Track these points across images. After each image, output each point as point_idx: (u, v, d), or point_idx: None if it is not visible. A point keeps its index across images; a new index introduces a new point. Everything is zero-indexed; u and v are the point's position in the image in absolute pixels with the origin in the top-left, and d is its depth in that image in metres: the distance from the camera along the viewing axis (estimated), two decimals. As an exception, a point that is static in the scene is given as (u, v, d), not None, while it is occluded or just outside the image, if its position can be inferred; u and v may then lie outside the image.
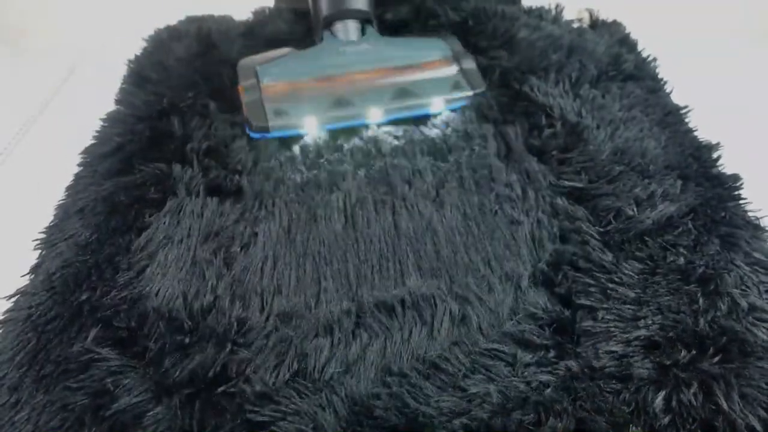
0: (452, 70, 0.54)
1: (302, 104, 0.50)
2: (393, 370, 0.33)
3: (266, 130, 0.48)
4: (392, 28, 0.63)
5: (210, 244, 0.41)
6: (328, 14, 0.53)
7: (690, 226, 0.41)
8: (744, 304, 0.36)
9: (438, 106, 0.52)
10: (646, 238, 0.40)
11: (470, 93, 0.53)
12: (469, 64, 0.55)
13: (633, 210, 0.41)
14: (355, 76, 0.51)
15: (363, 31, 0.54)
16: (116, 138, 0.49)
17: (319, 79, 0.51)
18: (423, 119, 0.52)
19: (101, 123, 0.52)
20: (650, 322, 0.35)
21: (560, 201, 0.43)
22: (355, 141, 0.49)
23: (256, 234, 0.42)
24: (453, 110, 0.52)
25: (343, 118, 0.50)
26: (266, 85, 0.50)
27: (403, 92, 0.51)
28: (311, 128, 0.49)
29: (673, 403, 0.31)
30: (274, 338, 0.35)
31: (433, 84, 0.53)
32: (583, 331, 0.35)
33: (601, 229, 0.41)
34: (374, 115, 0.50)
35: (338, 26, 0.54)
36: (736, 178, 0.45)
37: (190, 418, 0.31)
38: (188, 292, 0.37)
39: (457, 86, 0.53)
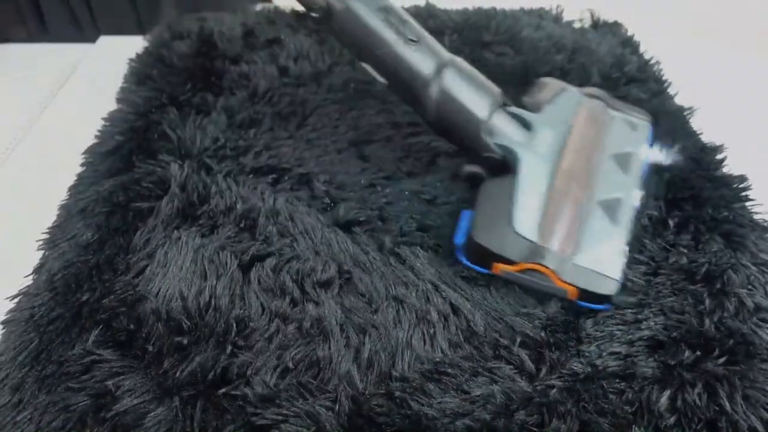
0: (602, 109, 0.47)
1: (592, 233, 0.39)
2: (396, 372, 0.33)
3: (618, 288, 0.37)
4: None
5: (209, 242, 0.40)
6: (485, 117, 0.42)
7: (689, 225, 0.41)
8: (750, 303, 0.36)
9: (646, 150, 0.45)
10: (644, 240, 0.40)
11: (648, 124, 0.47)
12: (602, 94, 0.49)
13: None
14: (574, 170, 0.41)
15: (515, 118, 0.44)
16: (117, 137, 0.49)
17: (562, 196, 0.40)
18: None
19: (103, 122, 0.52)
20: (653, 323, 0.35)
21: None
22: None
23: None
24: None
25: (629, 220, 0.40)
26: (548, 240, 0.38)
27: (621, 158, 0.43)
28: (625, 253, 0.39)
29: (678, 403, 0.31)
30: (276, 340, 0.35)
31: (622, 135, 0.45)
32: (587, 333, 0.35)
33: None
34: (637, 197, 0.42)
35: (496, 127, 0.42)
36: (742, 179, 0.45)
37: (191, 419, 0.31)
38: (187, 292, 0.37)
39: (634, 125, 0.46)
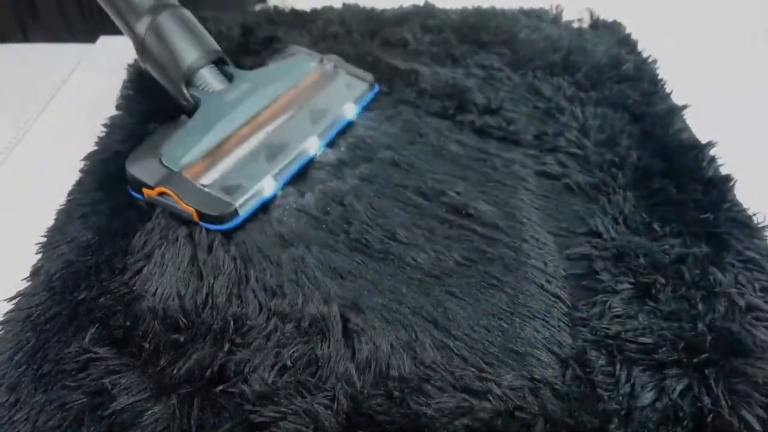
0: (332, 72, 0.52)
1: (243, 170, 0.43)
2: (394, 371, 0.33)
3: (234, 214, 0.41)
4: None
5: (207, 243, 0.40)
6: (190, 66, 0.45)
7: (676, 226, 0.41)
8: (742, 303, 0.36)
9: (351, 110, 0.50)
10: (632, 242, 0.40)
11: (366, 86, 0.52)
12: (336, 60, 0.54)
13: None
14: (262, 119, 0.46)
15: (224, 73, 0.48)
16: (116, 144, 0.49)
17: (232, 139, 0.45)
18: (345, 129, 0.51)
19: (103, 128, 0.52)
20: (644, 325, 0.35)
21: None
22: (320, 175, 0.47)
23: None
24: (363, 108, 0.52)
25: (290, 163, 0.45)
26: (187, 169, 0.42)
27: (317, 113, 0.48)
28: (270, 188, 0.43)
29: (666, 402, 0.31)
30: (274, 338, 0.35)
31: (332, 93, 0.50)
32: (579, 336, 0.35)
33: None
34: (313, 145, 0.47)
35: (199, 79, 0.46)
36: (728, 179, 0.45)
37: (188, 417, 0.31)
38: (184, 291, 0.37)
39: (350, 86, 0.52)
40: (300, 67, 0.52)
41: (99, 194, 0.44)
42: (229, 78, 0.48)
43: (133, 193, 0.43)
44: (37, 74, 0.66)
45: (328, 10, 0.68)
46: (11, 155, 0.54)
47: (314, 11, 0.68)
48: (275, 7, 0.69)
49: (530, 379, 0.33)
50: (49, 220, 0.43)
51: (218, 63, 0.48)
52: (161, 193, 0.41)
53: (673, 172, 0.45)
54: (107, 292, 0.37)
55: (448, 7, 0.68)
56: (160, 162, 0.43)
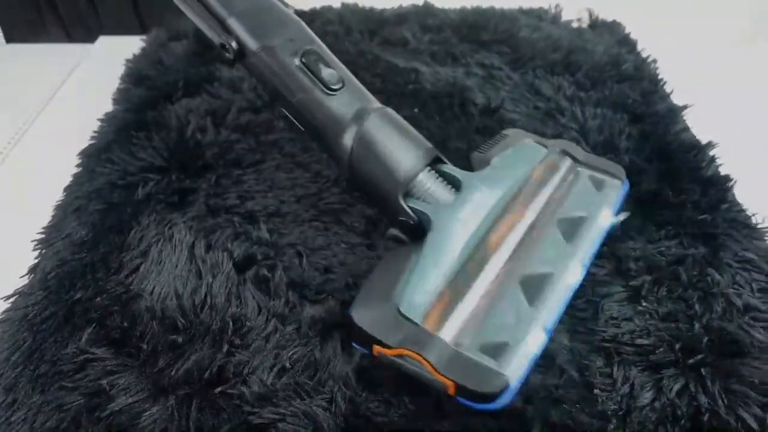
0: (568, 165, 0.41)
1: (499, 318, 0.32)
2: (390, 373, 0.33)
3: (505, 386, 0.29)
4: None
5: (204, 240, 0.40)
6: (407, 173, 0.37)
7: (674, 227, 0.41)
8: (739, 303, 0.36)
9: (607, 217, 0.38)
10: (629, 243, 0.40)
11: (619, 183, 0.40)
12: (567, 146, 0.42)
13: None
14: (503, 239, 0.36)
15: (444, 177, 0.38)
16: (112, 136, 0.49)
17: (475, 268, 0.34)
18: None
19: (99, 123, 0.52)
20: (642, 326, 0.35)
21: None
22: None
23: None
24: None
25: (554, 300, 0.33)
26: (428, 318, 0.32)
27: (570, 224, 0.37)
28: (539, 343, 0.32)
29: (664, 401, 0.31)
30: (273, 339, 0.35)
31: (580, 196, 0.39)
32: (574, 340, 0.35)
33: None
34: (576, 273, 0.35)
35: (418, 188, 0.37)
36: (727, 179, 0.45)
37: (187, 418, 0.31)
38: (182, 290, 0.37)
39: (599, 184, 0.40)
40: (529, 160, 0.40)
41: (93, 187, 0.44)
42: (451, 181, 0.38)
43: (357, 345, 0.34)
44: (37, 74, 0.66)
45: (328, 9, 0.68)
46: (10, 155, 0.54)
47: (314, 11, 0.68)
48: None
49: (527, 383, 0.33)
50: (46, 220, 0.43)
51: (434, 164, 0.38)
52: (401, 355, 0.31)
53: (672, 173, 0.44)
54: (103, 292, 0.37)
55: (447, 6, 0.68)
56: (398, 311, 0.32)
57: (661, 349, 0.34)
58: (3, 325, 0.36)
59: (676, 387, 0.32)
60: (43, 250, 0.40)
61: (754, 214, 0.42)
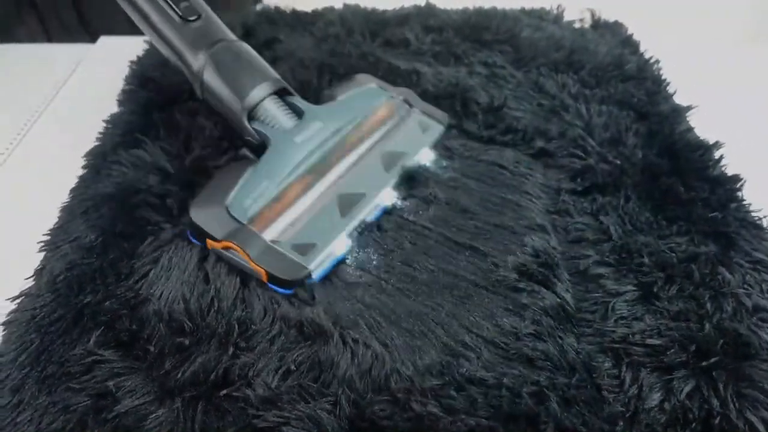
0: (404, 109, 0.48)
1: (315, 224, 0.39)
2: (398, 374, 0.33)
3: (307, 277, 0.37)
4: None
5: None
6: (251, 97, 0.42)
7: (683, 226, 0.41)
8: (749, 303, 0.36)
9: (427, 156, 0.46)
10: (639, 242, 0.40)
11: (442, 128, 0.48)
12: (407, 94, 0.49)
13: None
14: (333, 160, 0.43)
15: (290, 106, 0.44)
16: (118, 138, 0.49)
17: (301, 184, 0.41)
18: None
19: (104, 124, 0.52)
20: (651, 326, 0.35)
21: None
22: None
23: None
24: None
25: (364, 218, 0.41)
26: (255, 221, 0.39)
27: (391, 157, 0.44)
28: (343, 247, 0.39)
29: (674, 403, 0.31)
30: (278, 342, 0.35)
31: (406, 135, 0.46)
32: (582, 338, 0.35)
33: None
34: (388, 197, 0.42)
35: (263, 112, 0.43)
36: (736, 179, 0.45)
37: (192, 421, 0.31)
38: (189, 294, 0.37)
39: (426, 127, 0.47)
40: (370, 100, 0.47)
41: (101, 190, 0.44)
42: (295, 111, 0.44)
43: (194, 239, 0.40)
44: (37, 74, 0.66)
45: (329, 10, 0.68)
46: (12, 155, 0.54)
47: (315, 12, 0.68)
48: (276, 8, 0.68)
49: (536, 383, 0.33)
50: (50, 220, 0.43)
51: (281, 94, 0.44)
52: (227, 248, 0.38)
53: (680, 171, 0.44)
54: (113, 297, 0.37)
55: (449, 7, 0.68)
56: (227, 211, 0.39)
57: (672, 350, 0.34)
58: (10, 327, 0.36)
59: (687, 389, 0.32)
60: (50, 253, 0.40)
61: (765, 216, 0.42)
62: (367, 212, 0.41)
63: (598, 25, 0.67)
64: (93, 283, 0.38)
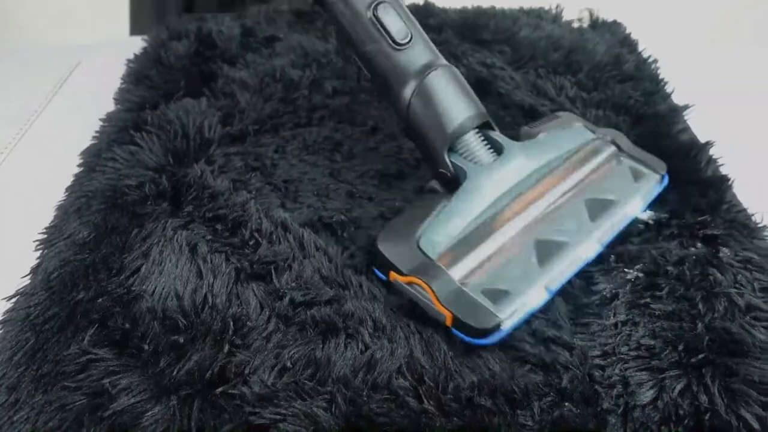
0: (612, 153, 0.43)
1: (507, 269, 0.36)
2: (396, 373, 0.33)
3: (496, 326, 0.34)
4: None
5: (205, 239, 0.40)
6: (455, 130, 0.40)
7: (675, 227, 0.41)
8: (741, 303, 0.36)
9: (637, 207, 0.41)
10: (631, 243, 0.40)
11: (658, 177, 0.42)
12: (615, 135, 0.45)
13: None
14: (531, 198, 0.39)
15: (489, 141, 0.41)
16: (113, 136, 0.49)
17: (496, 223, 0.38)
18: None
19: (101, 123, 0.52)
20: (645, 327, 0.35)
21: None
22: None
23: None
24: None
25: (564, 270, 0.37)
26: (443, 258, 0.36)
27: (597, 204, 0.40)
28: (539, 300, 0.36)
29: (666, 401, 0.31)
30: (274, 339, 0.35)
31: (616, 182, 0.41)
32: (576, 339, 0.35)
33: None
34: (591, 250, 0.38)
35: (462, 146, 0.41)
36: (725, 178, 0.45)
37: (188, 418, 0.31)
38: (182, 290, 0.37)
39: (638, 174, 0.42)
40: (574, 140, 0.43)
41: (94, 187, 0.44)
42: (495, 146, 0.41)
43: (377, 271, 0.38)
44: (37, 74, 0.66)
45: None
46: (11, 155, 0.54)
47: (314, 11, 0.68)
48: (276, 8, 0.68)
49: (534, 383, 0.33)
50: (48, 220, 0.43)
51: (483, 128, 0.41)
52: (411, 283, 0.36)
53: (672, 174, 0.45)
54: (105, 293, 0.37)
55: (447, 6, 0.68)
56: (417, 246, 0.37)
57: (666, 351, 0.34)
58: (5, 326, 0.36)
59: (679, 386, 0.32)
60: (45, 251, 0.40)
61: (753, 214, 0.42)
62: (568, 264, 0.37)
63: (596, 24, 0.67)
64: (86, 279, 0.38)
